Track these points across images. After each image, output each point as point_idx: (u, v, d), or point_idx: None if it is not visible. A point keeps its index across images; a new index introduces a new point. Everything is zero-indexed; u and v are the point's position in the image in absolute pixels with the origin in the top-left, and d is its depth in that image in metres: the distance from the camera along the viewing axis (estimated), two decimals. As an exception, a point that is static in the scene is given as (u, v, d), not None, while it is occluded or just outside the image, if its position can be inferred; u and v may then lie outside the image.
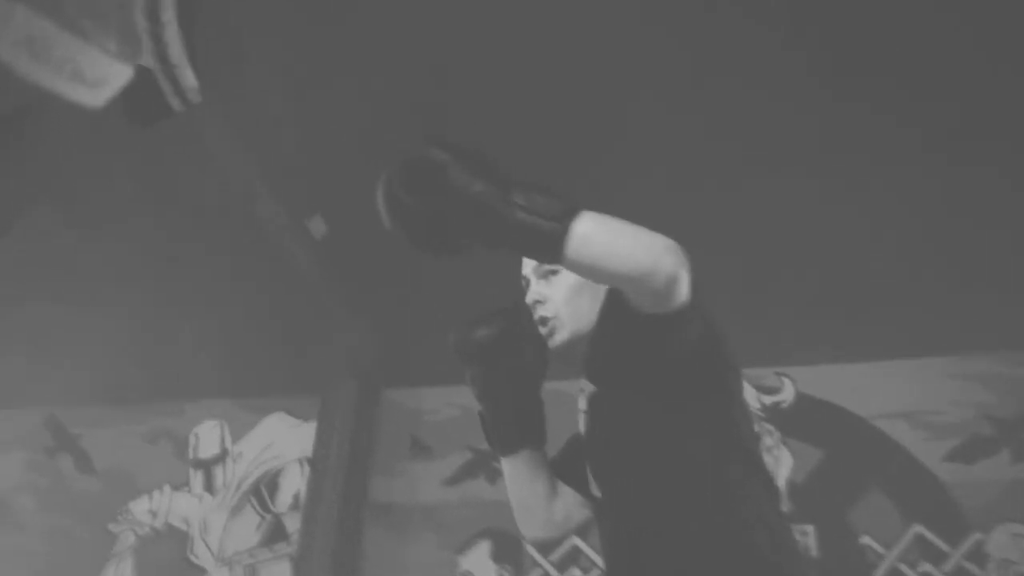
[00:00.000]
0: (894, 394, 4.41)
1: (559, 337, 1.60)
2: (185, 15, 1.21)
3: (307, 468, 4.97)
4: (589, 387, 1.60)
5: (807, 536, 4.15)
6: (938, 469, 4.21)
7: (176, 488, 5.32)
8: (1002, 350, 4.35)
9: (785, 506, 4.07)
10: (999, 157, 3.65)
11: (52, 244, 4.23)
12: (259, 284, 4.53)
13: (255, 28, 3.03)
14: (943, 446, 4.26)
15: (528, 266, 1.69)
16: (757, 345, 4.06)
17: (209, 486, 5.27)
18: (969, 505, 4.09)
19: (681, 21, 3.29)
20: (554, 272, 1.63)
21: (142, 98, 1.24)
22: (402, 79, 3.47)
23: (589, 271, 1.31)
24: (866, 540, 4.12)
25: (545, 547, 4.39)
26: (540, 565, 4.46)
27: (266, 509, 5.08)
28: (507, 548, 4.53)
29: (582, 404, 1.63)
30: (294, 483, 5.09)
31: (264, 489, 5.15)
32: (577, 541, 4.38)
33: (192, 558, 5.06)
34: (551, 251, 1.26)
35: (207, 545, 5.08)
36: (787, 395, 4.59)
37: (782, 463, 4.37)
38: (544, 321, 1.61)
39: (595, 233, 1.26)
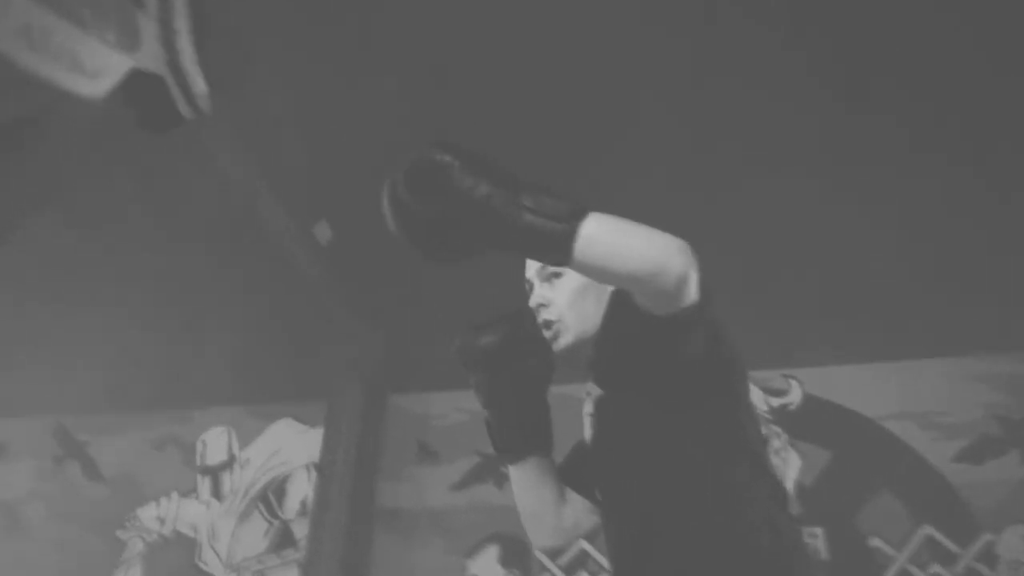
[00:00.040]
0: (902, 395, 4.40)
1: (563, 341, 1.59)
2: (198, 23, 1.21)
3: (314, 474, 4.97)
4: (596, 391, 1.59)
5: (816, 538, 4.13)
6: (947, 470, 4.19)
7: (184, 495, 5.32)
8: (1010, 351, 4.34)
9: (794, 508, 4.06)
10: (1005, 157, 3.64)
11: (58, 252, 4.24)
12: (265, 290, 4.53)
13: (259, 32, 3.04)
14: (952, 447, 4.24)
15: (531, 269, 1.68)
16: (764, 347, 4.05)
17: (217, 492, 5.27)
18: (979, 506, 4.07)
19: (682, 22, 3.29)
20: (557, 275, 1.62)
21: (153, 105, 1.24)
22: (406, 83, 3.48)
23: (598, 272, 1.30)
24: (875, 542, 4.11)
25: (553, 552, 4.38)
26: (548, 569, 4.45)
27: (274, 515, 5.08)
28: (515, 552, 4.52)
29: (589, 408, 1.62)
30: (301, 489, 5.09)
31: (272, 495, 5.15)
32: (585, 545, 4.37)
33: (201, 565, 5.06)
34: (560, 253, 1.25)
35: (215, 552, 5.08)
36: (794, 397, 4.57)
37: (790, 465, 4.36)
38: (548, 324, 1.60)
39: (603, 233, 1.25)
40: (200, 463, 5.40)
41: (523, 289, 1.70)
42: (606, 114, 3.61)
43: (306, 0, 3.21)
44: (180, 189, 3.80)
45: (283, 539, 4.99)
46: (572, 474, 1.69)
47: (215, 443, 5.43)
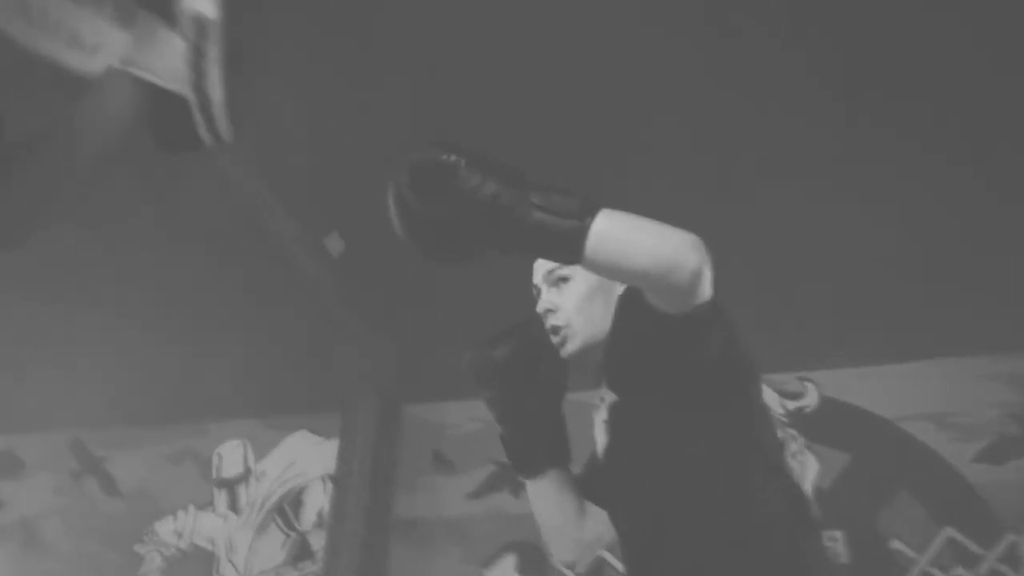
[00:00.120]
0: (919, 396, 4.36)
1: (571, 346, 1.57)
2: (231, 54, 1.21)
3: (330, 485, 4.97)
4: (610, 396, 1.57)
5: (836, 542, 4.10)
6: (967, 471, 4.15)
7: (201, 508, 5.34)
8: (1028, 349, 4.30)
9: (814, 512, 4.02)
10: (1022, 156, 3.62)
11: (72, 264, 4.27)
12: (278, 303, 4.55)
13: (267, 41, 3.05)
14: (971, 447, 4.20)
15: (538, 274, 1.66)
16: (779, 350, 4.03)
17: (234, 505, 5.28)
18: (1000, 507, 4.02)
19: (690, 27, 3.29)
20: (564, 280, 1.60)
21: (173, 125, 1.23)
22: (418, 92, 3.49)
23: (610, 269, 1.28)
24: (896, 545, 4.07)
25: (575, 565, 4.36)
26: (566, 578, 4.43)
27: (291, 527, 5.09)
28: (533, 561, 4.50)
29: (603, 414, 1.60)
30: (318, 501, 5.09)
31: (288, 507, 5.16)
32: (602, 552, 4.34)
33: (218, 578, 5.07)
34: (571, 251, 1.22)
35: (233, 565, 5.09)
36: (810, 400, 4.54)
37: (808, 469, 4.33)
38: (556, 330, 1.58)
39: (615, 230, 1.23)
40: (216, 476, 5.41)
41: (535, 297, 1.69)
42: (616, 120, 3.60)
43: (314, 7, 3.22)
44: (192, 201, 3.82)
45: (300, 551, 4.99)
46: (591, 486, 1.66)
47: (231, 456, 5.44)
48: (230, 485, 5.35)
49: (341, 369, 5.02)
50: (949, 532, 4.03)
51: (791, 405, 4.54)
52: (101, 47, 1.10)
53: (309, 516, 5.08)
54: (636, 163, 3.68)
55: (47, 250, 3.39)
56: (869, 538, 4.11)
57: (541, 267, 1.66)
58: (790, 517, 1.37)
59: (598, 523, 1.64)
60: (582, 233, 1.21)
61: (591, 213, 1.22)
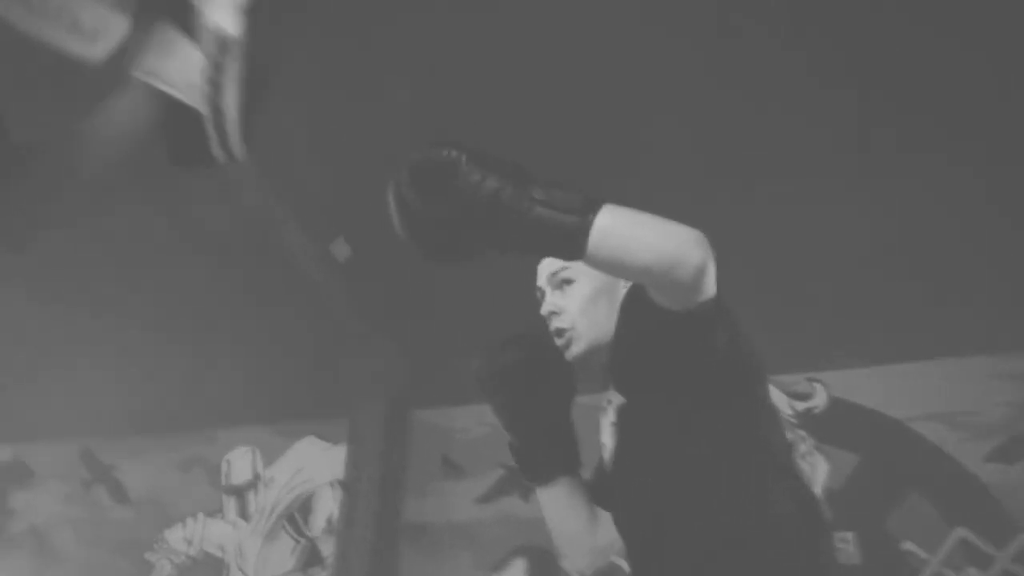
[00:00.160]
0: (930, 395, 4.33)
1: (576, 349, 1.56)
2: (253, 76, 1.20)
3: (339, 491, 4.97)
4: (617, 399, 1.56)
5: (847, 543, 4.08)
6: (979, 470, 4.13)
7: (210, 515, 5.34)
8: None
9: (825, 513, 4.00)
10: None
11: (81, 276, 4.28)
12: (285, 309, 4.55)
13: (274, 50, 3.06)
14: (983, 447, 4.17)
15: (542, 277, 1.65)
16: (787, 351, 4.02)
17: (243, 512, 5.28)
18: (1013, 506, 3.99)
19: (695, 32, 3.29)
20: (568, 282, 1.59)
21: (186, 139, 1.23)
22: (423, 99, 3.49)
23: (613, 266, 1.27)
24: (908, 545, 4.05)
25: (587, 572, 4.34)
26: (577, 581, 4.42)
27: (300, 533, 5.09)
28: (543, 565, 4.49)
29: (611, 416, 1.59)
30: (327, 506, 5.09)
31: (297, 514, 5.16)
32: (617, 559, 4.33)
33: (229, 585, 5.08)
34: (574, 247, 1.21)
35: (243, 572, 5.09)
36: (819, 400, 4.52)
37: (818, 470, 4.31)
38: (560, 333, 1.57)
39: (618, 226, 1.22)
40: (225, 483, 5.42)
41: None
42: (617, 121, 3.60)
43: (318, 15, 3.23)
44: (200, 209, 3.83)
45: (310, 557, 4.99)
46: (602, 490, 1.64)
47: (239, 463, 5.45)
48: (239, 492, 5.35)
49: (349, 374, 5.03)
50: (961, 532, 4.01)
51: (800, 406, 4.52)
52: (101, 33, 1.10)
53: (318, 522, 5.08)
54: (636, 163, 3.67)
55: (54, 258, 3.41)
56: (880, 539, 4.09)
57: (545, 269, 1.64)
58: (799, 518, 1.36)
59: (611, 529, 1.62)
60: (584, 229, 1.19)
61: (593, 209, 1.21)
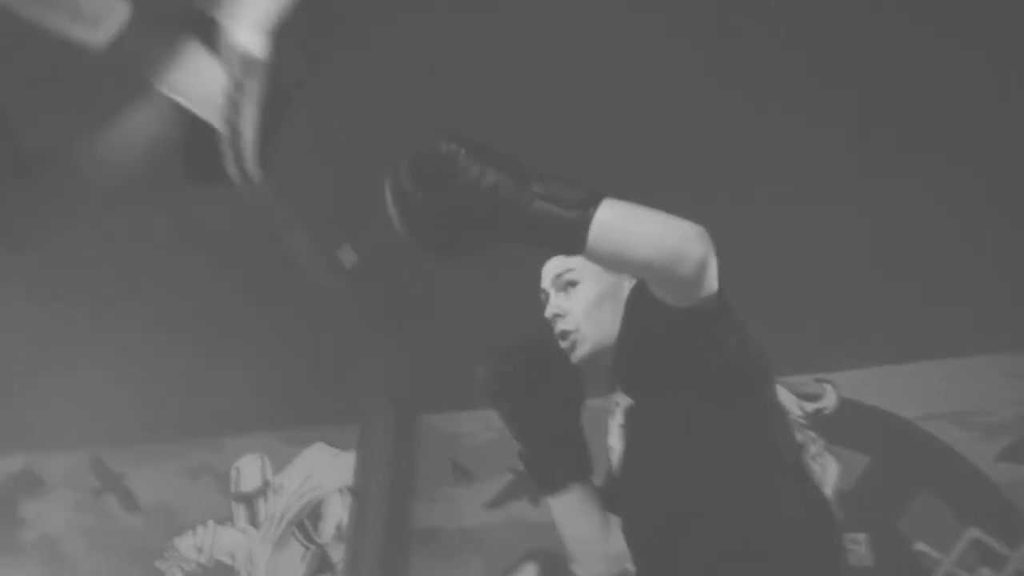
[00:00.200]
0: (940, 395, 4.31)
1: (581, 351, 1.55)
2: (275, 101, 1.20)
3: (349, 497, 4.97)
4: (625, 401, 1.55)
5: (859, 544, 4.06)
6: (990, 470, 4.10)
7: (220, 523, 5.34)
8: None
9: (837, 514, 3.98)
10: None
11: (87, 282, 4.29)
12: (292, 315, 4.56)
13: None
14: (994, 446, 4.14)
15: (547, 279, 1.64)
16: (796, 352, 4.00)
17: (253, 519, 5.28)
18: (1026, 506, 3.97)
19: (695, 32, 3.29)
20: (573, 284, 1.59)
21: (202, 156, 1.23)
22: (423, 99, 3.49)
23: (613, 260, 1.26)
24: (921, 546, 4.02)
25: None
26: (587, 586, 4.40)
27: (310, 540, 5.09)
28: (554, 570, 4.47)
29: (619, 419, 1.58)
30: (336, 513, 5.09)
31: (307, 520, 5.16)
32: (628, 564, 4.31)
33: (239, 592, 5.08)
34: (574, 241, 1.20)
35: (253, 579, 5.09)
36: (829, 401, 4.50)
37: (828, 471, 4.29)
38: (564, 335, 1.57)
39: (619, 220, 1.21)
40: (235, 490, 5.42)
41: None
42: (617, 121, 3.60)
43: (320, 20, 3.23)
44: (208, 215, 3.83)
45: (320, 564, 4.99)
46: (613, 496, 1.62)
47: (248, 470, 5.45)
48: (249, 499, 5.36)
49: (357, 380, 5.03)
50: (974, 532, 3.98)
51: (809, 407, 4.50)
52: (103, 18, 1.09)
53: (328, 529, 5.07)
54: (636, 163, 3.67)
55: (54, 258, 3.41)
56: (893, 540, 4.07)
57: (549, 272, 1.64)
58: (809, 520, 1.35)
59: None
60: (584, 223, 1.18)
61: (594, 203, 1.20)
